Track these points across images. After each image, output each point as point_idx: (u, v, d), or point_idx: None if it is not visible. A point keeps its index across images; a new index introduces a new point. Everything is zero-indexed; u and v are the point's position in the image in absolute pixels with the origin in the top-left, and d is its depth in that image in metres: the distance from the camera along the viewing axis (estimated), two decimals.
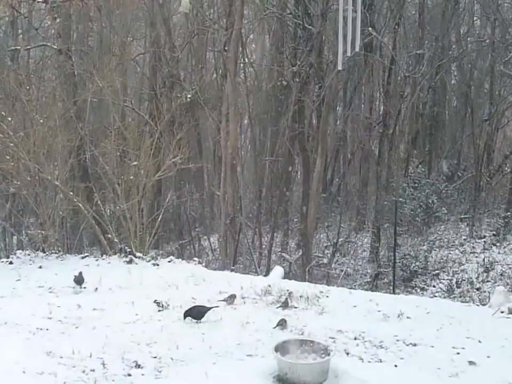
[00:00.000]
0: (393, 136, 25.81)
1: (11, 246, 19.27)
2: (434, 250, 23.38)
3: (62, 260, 14.60)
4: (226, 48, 22.88)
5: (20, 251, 15.57)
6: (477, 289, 19.76)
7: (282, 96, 24.81)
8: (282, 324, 8.79)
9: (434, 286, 21.11)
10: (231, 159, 21.40)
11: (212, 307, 9.08)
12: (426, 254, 22.88)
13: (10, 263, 14.24)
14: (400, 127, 27.53)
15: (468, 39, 29.43)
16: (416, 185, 24.84)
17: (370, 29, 21.78)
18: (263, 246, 24.28)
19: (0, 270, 13.69)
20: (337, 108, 29.80)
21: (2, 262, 14.66)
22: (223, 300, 9.98)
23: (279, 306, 9.71)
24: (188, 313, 9.05)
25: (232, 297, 10.15)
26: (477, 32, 29.81)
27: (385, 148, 25.66)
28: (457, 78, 31.32)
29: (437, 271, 22.13)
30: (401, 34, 26.99)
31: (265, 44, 30.11)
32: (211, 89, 26.64)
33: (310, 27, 22.36)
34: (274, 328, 8.64)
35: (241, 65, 25.34)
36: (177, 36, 26.59)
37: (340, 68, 10.96)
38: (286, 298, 10.03)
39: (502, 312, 9.90)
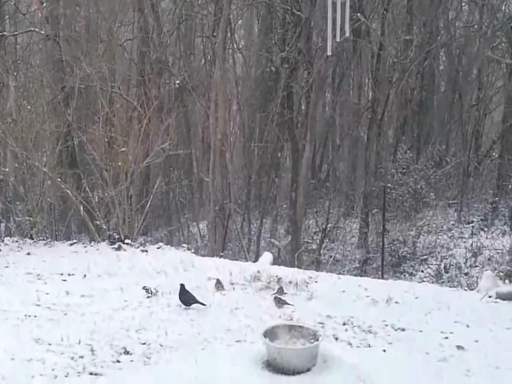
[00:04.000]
0: (381, 122, 25.80)
1: None
2: (423, 235, 23.44)
3: (50, 247, 14.59)
4: (214, 33, 22.78)
5: (8, 238, 15.51)
6: (465, 274, 19.84)
7: (271, 82, 24.71)
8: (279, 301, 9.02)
9: (422, 271, 21.18)
10: (219, 145, 21.34)
11: (201, 302, 9.05)
12: (414, 239, 22.94)
13: None
14: (388, 112, 27.53)
15: (456, 24, 29.37)
16: (404, 170, 24.86)
17: (359, 14, 21.70)
18: (252, 232, 24.27)
19: None
20: (326, 94, 29.69)
21: None
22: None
23: (275, 293, 9.71)
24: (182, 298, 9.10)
25: (218, 282, 10.19)
26: (465, 17, 29.78)
27: (374, 134, 25.62)
28: (446, 63, 31.25)
29: (425, 256, 22.20)
30: (390, 20, 26.92)
31: (253, 30, 29.99)
32: (200, 75, 26.52)
33: (299, 12, 22.24)
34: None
35: (230, 51, 25.21)
36: (165, 21, 26.36)
37: (329, 53, 10.98)
38: (281, 286, 10.07)
39: (490, 296, 9.99)
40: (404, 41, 26.04)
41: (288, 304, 9.18)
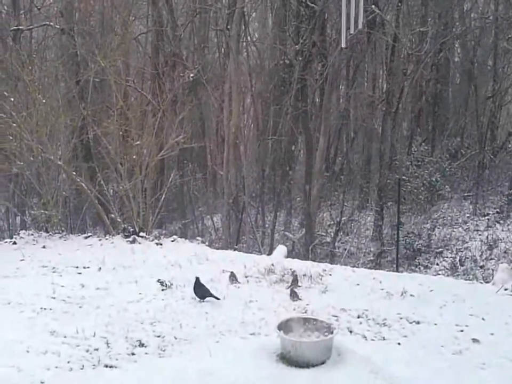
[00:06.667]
0: (396, 114, 25.66)
1: (14, 227, 19.30)
2: (438, 228, 23.35)
3: (65, 240, 14.68)
4: (228, 26, 22.73)
5: (24, 231, 15.65)
6: (481, 267, 19.74)
7: (285, 74, 24.62)
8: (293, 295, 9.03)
9: (437, 264, 21.09)
10: (233, 138, 21.36)
11: (215, 296, 9.07)
12: (429, 232, 22.86)
13: (14, 243, 14.33)
14: (403, 105, 27.38)
15: (471, 15, 29.15)
16: (419, 163, 24.74)
17: (373, 6, 21.56)
18: (266, 225, 24.25)
19: (3, 250, 13.78)
20: (340, 86, 29.56)
21: (6, 242, 14.76)
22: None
23: (290, 286, 9.70)
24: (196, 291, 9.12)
25: (232, 275, 10.21)
26: (480, 8, 29.54)
27: (388, 126, 25.50)
28: (461, 55, 31.06)
29: (440, 249, 22.10)
30: (404, 12, 26.72)
31: (267, 22, 29.92)
32: (213, 68, 26.52)
33: (313, 5, 22.17)
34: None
35: (244, 43, 25.18)
36: (179, 14, 26.35)
37: (343, 45, 10.89)
38: (296, 276, 10.05)
39: (505, 289, 9.92)
40: (418, 33, 25.85)
41: (300, 299, 9.18)
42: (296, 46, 23.04)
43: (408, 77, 26.04)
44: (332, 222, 24.69)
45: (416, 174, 24.16)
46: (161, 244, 13.98)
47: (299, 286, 9.80)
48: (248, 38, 26.34)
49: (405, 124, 29.41)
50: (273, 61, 26.16)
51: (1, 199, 19.27)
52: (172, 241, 14.44)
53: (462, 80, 31.49)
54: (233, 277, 10.20)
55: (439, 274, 17.87)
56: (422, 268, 20.73)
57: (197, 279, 9.15)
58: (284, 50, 24.56)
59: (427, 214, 24.07)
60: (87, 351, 7.19)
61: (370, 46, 26.68)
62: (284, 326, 6.95)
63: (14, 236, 15.46)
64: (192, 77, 22.82)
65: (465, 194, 26.25)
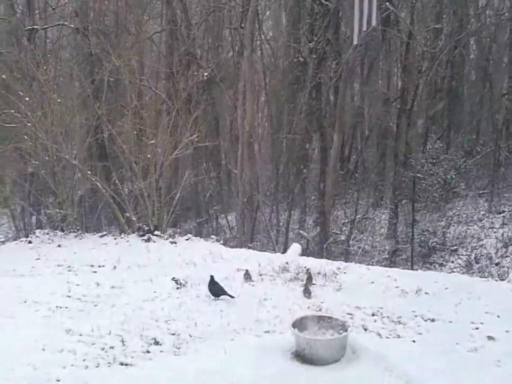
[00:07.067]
0: (411, 112, 25.56)
1: (30, 226, 19.40)
2: (453, 226, 23.28)
3: (80, 239, 14.76)
4: (242, 25, 22.74)
5: (39, 230, 15.75)
6: (496, 264, 19.68)
7: (299, 72, 24.61)
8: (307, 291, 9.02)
9: (452, 262, 21.04)
10: (248, 137, 21.36)
11: (229, 294, 9.08)
12: (444, 229, 22.80)
13: (30, 242, 14.43)
14: (418, 102, 27.28)
15: (487, 12, 28.99)
16: (434, 160, 24.63)
17: (387, 3, 21.54)
18: (281, 224, 24.26)
19: (19, 249, 13.88)
20: (355, 84, 29.52)
21: (22, 241, 14.87)
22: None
23: (305, 284, 9.68)
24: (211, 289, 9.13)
25: (247, 273, 10.21)
26: (496, 5, 29.37)
27: (403, 124, 25.42)
28: (476, 52, 30.93)
29: (455, 247, 22.04)
30: (419, 9, 26.61)
31: (281, 20, 29.90)
32: (228, 67, 26.52)
33: (327, 2, 22.16)
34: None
35: (258, 42, 25.16)
36: (193, 13, 26.39)
37: (355, 42, 10.88)
38: (310, 274, 10.04)
39: None
40: (433, 30, 25.72)
41: (312, 297, 9.19)
42: (310, 44, 23.03)
43: (423, 74, 25.92)
44: (346, 220, 24.68)
45: (431, 172, 24.05)
46: (176, 243, 14.02)
47: (313, 284, 9.80)
48: (262, 36, 26.31)
49: (420, 121, 29.29)
50: (287, 59, 26.17)
51: (17, 198, 19.38)
52: (187, 239, 14.48)
53: (477, 77, 31.36)
54: (247, 275, 10.21)
55: (454, 272, 17.82)
56: (437, 266, 20.68)
57: (212, 277, 9.17)
58: (297, 48, 24.56)
59: (442, 212, 23.99)
60: (103, 349, 7.23)
61: (384, 43, 26.62)
62: (299, 324, 6.96)
63: (30, 235, 15.58)
64: (206, 75, 22.85)
65: (481, 191, 26.14)
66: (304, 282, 9.80)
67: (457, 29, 25.59)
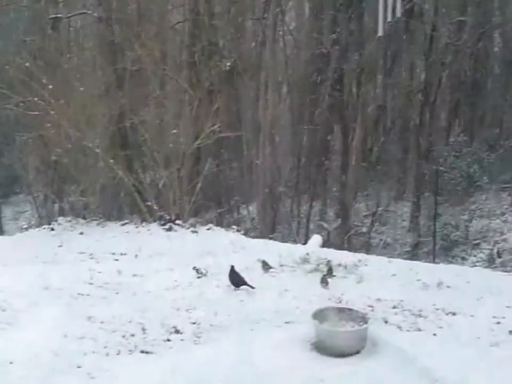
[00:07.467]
0: (434, 105, 25.39)
1: (53, 213, 19.54)
2: (475, 219, 23.12)
3: (102, 227, 14.84)
4: (265, 15, 22.69)
5: (62, 218, 15.87)
6: None
7: (321, 64, 24.52)
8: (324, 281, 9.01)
9: (475, 256, 20.91)
10: (269, 128, 21.33)
11: (250, 285, 9.08)
12: (467, 223, 22.65)
13: (52, 229, 14.54)
14: (441, 95, 27.05)
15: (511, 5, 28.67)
16: (457, 154, 24.44)
17: None
18: (302, 215, 24.24)
19: (42, 236, 13.99)
20: (377, 76, 29.35)
21: (44, 228, 14.98)
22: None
23: (325, 275, 9.64)
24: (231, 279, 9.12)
25: (267, 264, 10.20)
26: None
27: (426, 117, 25.27)
28: (500, 45, 30.58)
29: (477, 241, 21.90)
30: (443, 0, 26.40)
31: (304, 11, 29.76)
32: (250, 57, 26.46)
33: None
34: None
35: (280, 32, 25.10)
36: (216, 3, 26.35)
37: (380, 33, 10.75)
38: (331, 266, 10.01)
39: None
40: (457, 22, 25.47)
41: (328, 288, 9.19)
42: (333, 35, 22.91)
43: (447, 67, 25.71)
44: (368, 213, 24.60)
45: (454, 165, 23.88)
46: (197, 232, 14.06)
47: (334, 276, 9.77)
48: (285, 27, 26.23)
49: (443, 114, 29.06)
50: (309, 50, 26.03)
51: (40, 185, 19.50)
52: (208, 229, 14.51)
53: (501, 70, 30.98)
54: (268, 266, 10.20)
55: (476, 266, 17.71)
56: (459, 260, 20.57)
57: (232, 267, 9.17)
58: (320, 39, 24.44)
59: (464, 205, 23.83)
60: (124, 336, 7.26)
61: (408, 35, 26.38)
62: (319, 315, 6.96)
63: (52, 223, 15.68)
64: (228, 66, 22.82)
65: (504, 185, 25.88)
66: (325, 273, 9.78)
67: (482, 21, 25.34)
